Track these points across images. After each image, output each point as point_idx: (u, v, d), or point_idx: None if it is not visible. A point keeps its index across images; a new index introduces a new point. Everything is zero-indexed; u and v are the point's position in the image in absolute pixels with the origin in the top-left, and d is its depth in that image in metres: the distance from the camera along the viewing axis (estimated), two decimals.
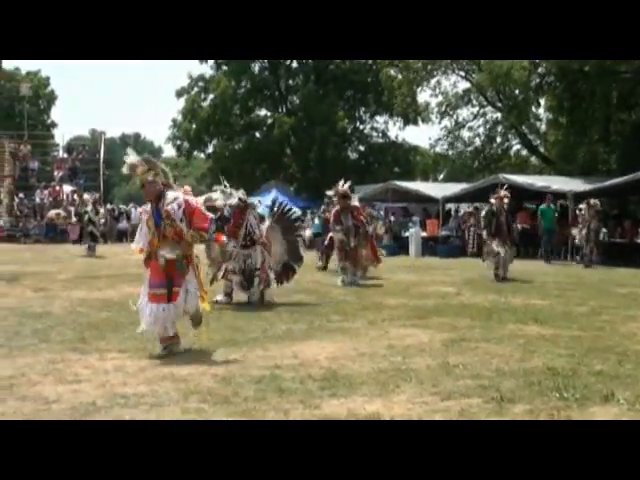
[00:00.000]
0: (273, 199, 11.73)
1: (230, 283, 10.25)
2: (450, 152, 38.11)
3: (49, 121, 55.89)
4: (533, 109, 34.39)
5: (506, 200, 14.39)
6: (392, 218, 27.25)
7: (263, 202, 24.78)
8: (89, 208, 21.48)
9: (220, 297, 10.12)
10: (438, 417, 4.48)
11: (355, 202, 13.57)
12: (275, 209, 10.94)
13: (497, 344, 7.05)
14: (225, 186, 10.62)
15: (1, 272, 14.28)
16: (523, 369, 5.88)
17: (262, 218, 10.80)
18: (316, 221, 24.40)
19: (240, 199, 10.45)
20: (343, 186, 13.08)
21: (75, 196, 33.24)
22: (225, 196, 10.46)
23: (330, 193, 13.64)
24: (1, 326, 7.88)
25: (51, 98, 56.75)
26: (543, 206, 20.76)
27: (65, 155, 37.80)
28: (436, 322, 8.48)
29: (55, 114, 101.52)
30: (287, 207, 11.05)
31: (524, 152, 38.22)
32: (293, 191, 40.83)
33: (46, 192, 33.00)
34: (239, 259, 10.20)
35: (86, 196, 23.70)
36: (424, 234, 25.21)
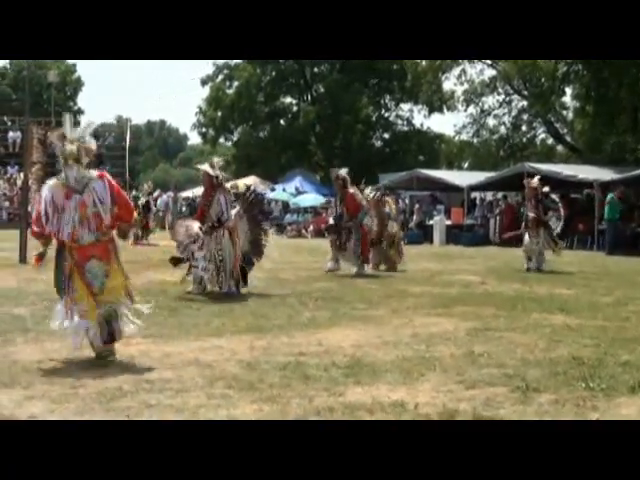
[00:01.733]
0: (248, 186, 10.65)
1: (198, 270, 9.40)
2: (475, 140, 37.91)
3: (76, 108, 56.32)
4: (560, 98, 34.04)
5: (536, 188, 14.00)
6: (417, 206, 27.14)
7: (288, 190, 24.70)
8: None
9: (192, 287, 9.51)
10: (463, 406, 4.44)
11: (351, 189, 12.73)
12: (246, 195, 10.03)
13: (522, 333, 7.00)
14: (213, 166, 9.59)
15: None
16: (548, 358, 5.82)
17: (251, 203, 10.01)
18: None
19: (208, 174, 9.44)
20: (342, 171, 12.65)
21: None
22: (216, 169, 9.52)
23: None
24: (32, 310, 7.94)
25: (78, 85, 57.13)
26: (611, 196, 19.86)
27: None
28: (460, 311, 8.44)
29: (82, 101, 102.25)
30: (259, 197, 10.24)
31: (550, 141, 37.93)
32: (319, 180, 40.85)
33: None
34: (207, 246, 9.32)
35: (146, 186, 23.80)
36: (448, 222, 25.11)
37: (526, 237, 13.89)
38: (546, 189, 14.47)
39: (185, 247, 9.43)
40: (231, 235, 9.52)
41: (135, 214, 6.13)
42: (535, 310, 8.55)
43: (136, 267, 13.01)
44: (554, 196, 14.96)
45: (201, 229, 9.35)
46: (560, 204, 14.80)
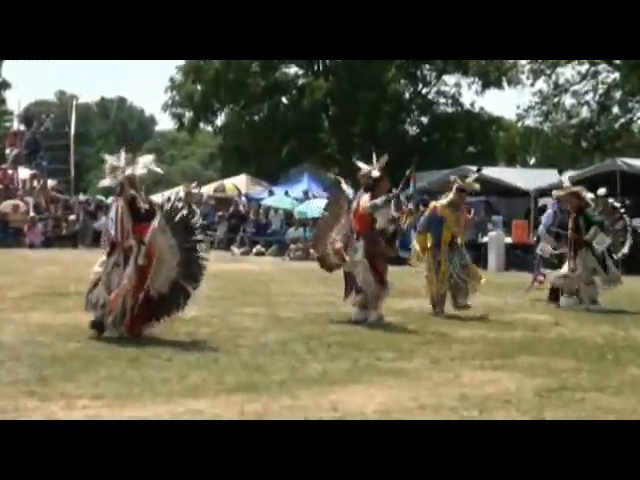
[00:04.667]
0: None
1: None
2: (546, 126, 37.87)
3: None
4: None
5: (572, 198, 14.04)
6: (468, 216, 27.09)
7: (293, 194, 24.47)
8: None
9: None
10: None
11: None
12: (168, 203, 9.98)
13: (614, 395, 6.98)
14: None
15: None
16: None
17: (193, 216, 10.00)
18: None
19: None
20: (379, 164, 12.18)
21: (35, 182, 32.90)
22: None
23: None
24: None
25: None
26: None
27: (22, 127, 37.41)
28: (526, 363, 8.43)
29: (8, 70, 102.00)
30: (181, 209, 10.06)
31: None
32: (333, 179, 40.95)
33: None
34: (105, 273, 9.71)
35: None
36: (508, 240, 25.03)
37: (564, 266, 13.97)
38: (601, 192, 14.70)
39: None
40: (126, 259, 9.56)
41: None
42: (632, 363, 8.52)
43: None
44: (614, 202, 15.08)
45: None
46: (627, 216, 14.93)
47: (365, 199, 11.57)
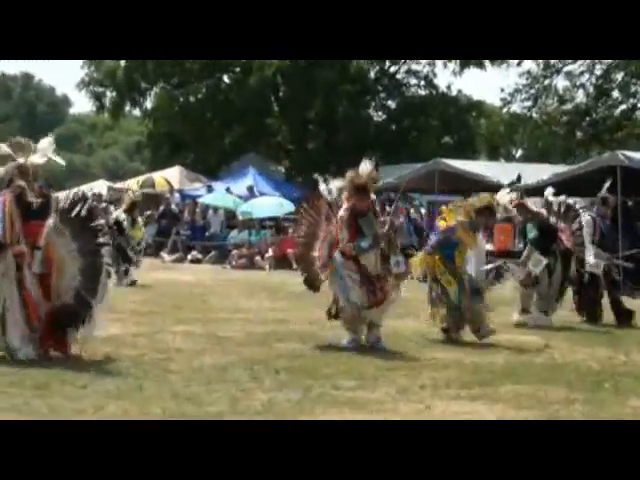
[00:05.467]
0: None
1: None
2: (535, 113, 38.06)
3: None
4: None
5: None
6: (439, 218, 27.22)
7: (236, 191, 24.34)
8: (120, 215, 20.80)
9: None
10: None
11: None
12: (66, 201, 9.95)
13: None
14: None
15: None
16: None
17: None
18: None
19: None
20: (366, 169, 12.11)
21: None
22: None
23: (336, 185, 12.39)
24: None
25: None
26: None
27: None
28: (510, 392, 8.46)
29: None
30: (82, 197, 10.17)
31: None
32: (284, 173, 40.86)
33: None
34: None
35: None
36: (489, 247, 25.16)
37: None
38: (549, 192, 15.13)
39: None
40: (19, 269, 9.49)
41: None
42: (633, 392, 8.60)
43: None
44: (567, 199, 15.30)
45: None
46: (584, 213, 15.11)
47: (341, 211, 11.45)
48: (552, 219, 14.62)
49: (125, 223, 20.06)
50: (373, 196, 11.75)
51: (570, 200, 15.40)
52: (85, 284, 9.71)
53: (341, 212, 11.26)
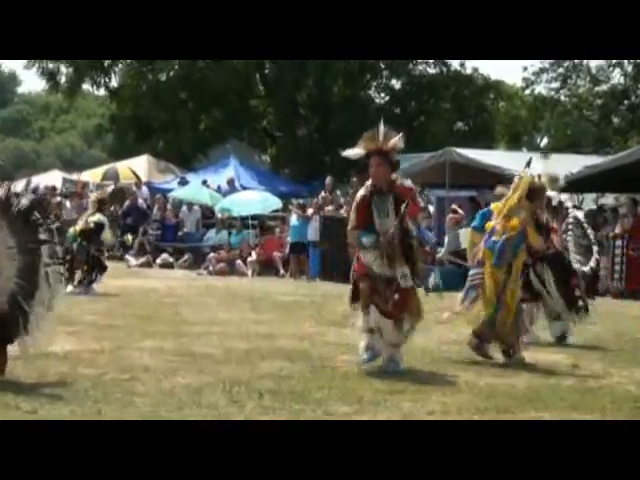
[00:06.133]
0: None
1: None
2: (563, 96, 38.14)
3: None
4: None
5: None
6: (449, 216, 27.25)
7: (214, 184, 24.42)
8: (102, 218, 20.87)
9: None
10: None
11: (407, 181, 12.39)
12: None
13: None
14: None
15: None
16: None
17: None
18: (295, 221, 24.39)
19: None
20: (384, 135, 11.76)
21: None
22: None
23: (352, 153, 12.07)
24: None
25: None
26: None
27: None
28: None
29: None
30: (26, 185, 10.43)
31: None
32: (270, 162, 40.91)
33: None
34: None
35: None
36: None
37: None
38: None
39: None
40: None
41: None
42: None
43: None
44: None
45: None
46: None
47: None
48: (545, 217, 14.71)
49: (106, 228, 20.12)
50: (409, 183, 11.71)
51: (562, 196, 15.57)
52: (23, 289, 9.64)
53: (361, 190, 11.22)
